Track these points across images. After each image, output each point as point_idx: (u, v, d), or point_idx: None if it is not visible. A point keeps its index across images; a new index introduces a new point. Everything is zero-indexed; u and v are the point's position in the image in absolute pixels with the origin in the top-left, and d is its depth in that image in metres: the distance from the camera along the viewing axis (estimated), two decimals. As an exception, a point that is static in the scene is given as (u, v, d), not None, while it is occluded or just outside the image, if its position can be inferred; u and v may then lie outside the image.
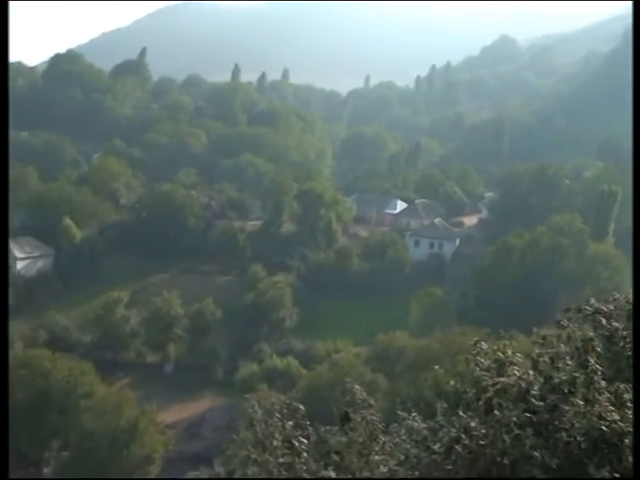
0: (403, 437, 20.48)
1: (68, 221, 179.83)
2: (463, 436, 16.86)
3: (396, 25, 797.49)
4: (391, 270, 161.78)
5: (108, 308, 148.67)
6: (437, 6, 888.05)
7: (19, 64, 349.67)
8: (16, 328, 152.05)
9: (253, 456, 20.83)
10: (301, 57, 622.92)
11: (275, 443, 20.54)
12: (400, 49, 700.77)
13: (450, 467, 17.01)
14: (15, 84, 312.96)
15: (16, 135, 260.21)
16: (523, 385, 16.62)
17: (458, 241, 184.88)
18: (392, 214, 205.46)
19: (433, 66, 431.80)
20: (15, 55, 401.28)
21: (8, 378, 26.74)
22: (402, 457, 19.72)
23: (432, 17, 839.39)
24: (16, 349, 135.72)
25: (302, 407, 21.81)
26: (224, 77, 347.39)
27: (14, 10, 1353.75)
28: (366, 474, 20.77)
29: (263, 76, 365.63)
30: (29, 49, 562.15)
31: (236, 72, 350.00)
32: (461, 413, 17.57)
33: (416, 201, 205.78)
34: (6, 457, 23.36)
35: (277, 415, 21.30)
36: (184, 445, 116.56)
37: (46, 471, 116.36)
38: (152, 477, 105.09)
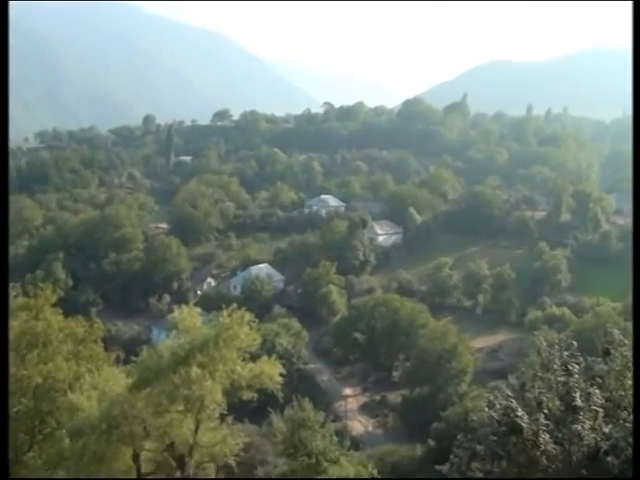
0: (651, 369, 19.41)
1: (412, 210, 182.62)
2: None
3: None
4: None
5: (438, 268, 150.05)
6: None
7: (382, 107, 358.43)
8: (377, 280, 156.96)
9: (539, 374, 20.35)
10: (578, 94, 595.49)
11: (555, 366, 19.96)
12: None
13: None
14: (379, 120, 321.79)
15: (379, 153, 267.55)
16: None
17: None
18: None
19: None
20: (378, 100, 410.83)
21: (8, 377, 25.04)
22: (651, 383, 18.68)
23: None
24: (377, 294, 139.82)
25: (574, 342, 21.09)
26: (521, 112, 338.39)
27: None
28: (621, 393, 19.85)
29: (549, 111, 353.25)
30: (387, 98, 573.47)
31: (529, 108, 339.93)
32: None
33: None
34: (6, 457, 20.72)
35: (556, 346, 20.71)
36: (487, 364, 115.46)
37: (395, 374, 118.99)
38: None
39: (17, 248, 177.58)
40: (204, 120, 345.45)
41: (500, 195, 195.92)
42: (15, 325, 37.99)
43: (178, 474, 36.73)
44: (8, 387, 25.07)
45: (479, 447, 20.07)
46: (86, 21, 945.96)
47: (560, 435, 18.91)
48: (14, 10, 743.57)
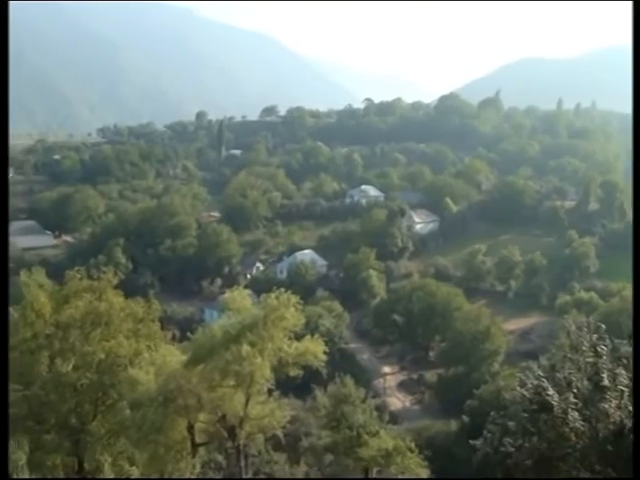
0: (675, 351, 19.05)
1: (448, 200, 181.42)
2: None
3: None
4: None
5: (472, 255, 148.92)
6: None
7: (419, 102, 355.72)
8: (415, 265, 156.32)
9: (569, 355, 20.16)
10: (604, 90, 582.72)
11: (584, 348, 19.75)
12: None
13: None
14: (417, 114, 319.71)
15: (417, 146, 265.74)
16: None
17: None
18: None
19: None
20: (415, 96, 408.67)
21: (8, 377, 23.93)
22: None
23: None
24: (414, 278, 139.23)
25: (602, 325, 20.82)
26: (551, 106, 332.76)
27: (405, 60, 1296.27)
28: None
29: (578, 105, 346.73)
30: (423, 93, 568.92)
31: (560, 103, 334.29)
32: None
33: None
34: (6, 457, 20.09)
35: (585, 329, 20.47)
36: (518, 345, 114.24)
37: (431, 354, 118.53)
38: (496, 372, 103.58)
39: (82, 235, 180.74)
40: (253, 116, 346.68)
41: (532, 185, 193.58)
42: (80, 305, 38.71)
43: (230, 444, 37.19)
44: (8, 386, 25.02)
45: (511, 423, 20.00)
46: (145, 26, 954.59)
47: (588, 413, 18.74)
48: (82, 17, 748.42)
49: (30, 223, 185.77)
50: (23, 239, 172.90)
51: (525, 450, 19.40)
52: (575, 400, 18.69)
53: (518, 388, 20.20)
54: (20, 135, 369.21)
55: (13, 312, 38.76)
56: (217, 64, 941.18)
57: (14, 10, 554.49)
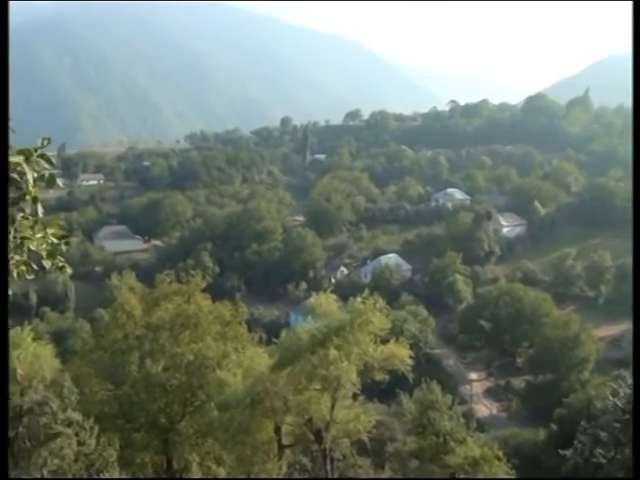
0: None
1: (536, 203, 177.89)
2: None
3: None
4: None
5: (561, 259, 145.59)
6: None
7: (506, 103, 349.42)
8: (502, 270, 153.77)
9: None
10: None
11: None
12: None
13: None
14: (503, 116, 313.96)
15: (503, 148, 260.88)
16: None
17: None
18: None
19: None
20: (501, 97, 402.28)
21: (8, 377, 22.99)
22: None
23: None
24: (501, 283, 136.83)
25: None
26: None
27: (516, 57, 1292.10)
28: None
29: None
30: (510, 94, 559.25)
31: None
32: None
33: None
34: (6, 457, 19.71)
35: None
36: (609, 353, 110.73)
37: (518, 360, 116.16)
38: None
39: (170, 239, 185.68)
40: (336, 120, 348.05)
41: (623, 187, 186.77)
42: (170, 308, 39.73)
43: (315, 447, 37.42)
44: (8, 385, 25.75)
45: (602, 434, 19.48)
46: (228, 35, 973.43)
47: (685, 424, 18.05)
48: (169, 28, 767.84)
49: (121, 228, 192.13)
50: (114, 243, 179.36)
51: (617, 462, 18.86)
52: (671, 410, 18.03)
53: (610, 397, 19.66)
54: (111, 143, 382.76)
55: (105, 314, 40.05)
56: (300, 69, 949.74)
57: (104, 23, 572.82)
